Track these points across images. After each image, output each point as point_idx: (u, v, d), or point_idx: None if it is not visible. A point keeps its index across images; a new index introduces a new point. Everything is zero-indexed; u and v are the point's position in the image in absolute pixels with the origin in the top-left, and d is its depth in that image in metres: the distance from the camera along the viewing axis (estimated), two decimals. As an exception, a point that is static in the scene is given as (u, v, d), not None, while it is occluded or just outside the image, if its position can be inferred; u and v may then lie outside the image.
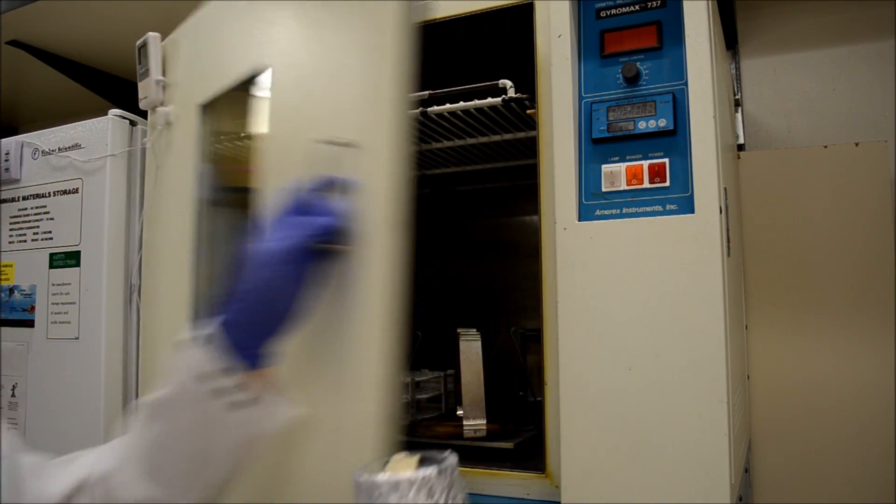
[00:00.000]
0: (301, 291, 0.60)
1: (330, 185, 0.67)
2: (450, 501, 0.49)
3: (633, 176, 0.83)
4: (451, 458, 0.50)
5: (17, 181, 1.42)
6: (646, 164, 0.83)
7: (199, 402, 0.59)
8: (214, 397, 0.59)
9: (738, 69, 1.56)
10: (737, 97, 1.54)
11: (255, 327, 0.58)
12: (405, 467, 0.50)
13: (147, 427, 0.61)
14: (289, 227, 0.61)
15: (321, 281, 0.65)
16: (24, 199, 1.41)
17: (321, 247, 0.61)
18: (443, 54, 1.24)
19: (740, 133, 1.52)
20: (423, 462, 0.51)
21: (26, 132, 1.44)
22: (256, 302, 0.58)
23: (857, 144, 1.27)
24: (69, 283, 1.31)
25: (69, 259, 1.32)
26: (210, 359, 0.59)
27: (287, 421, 0.61)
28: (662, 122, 0.82)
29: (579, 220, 0.85)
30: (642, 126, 0.83)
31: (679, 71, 0.83)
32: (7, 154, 1.42)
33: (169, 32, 1.22)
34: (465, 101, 1.05)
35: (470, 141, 1.22)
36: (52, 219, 1.37)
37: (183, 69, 1.17)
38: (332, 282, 0.66)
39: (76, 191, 1.33)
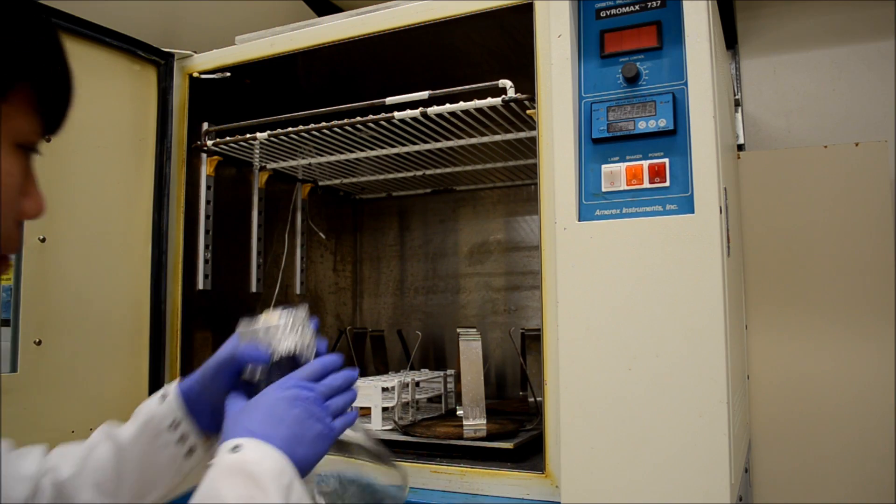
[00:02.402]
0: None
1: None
2: (309, 330, 0.71)
3: (633, 176, 0.83)
4: (302, 308, 0.72)
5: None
6: (646, 164, 0.83)
7: (163, 444, 0.72)
8: (175, 439, 0.72)
9: (738, 69, 1.56)
10: (737, 97, 1.54)
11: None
12: (273, 317, 0.70)
13: (107, 449, 0.71)
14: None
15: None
16: None
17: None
18: (443, 54, 1.24)
19: (740, 133, 1.52)
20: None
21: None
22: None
23: (857, 144, 1.27)
24: None
25: None
26: (182, 415, 0.73)
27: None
28: (662, 122, 0.82)
29: (579, 220, 0.85)
30: (642, 126, 0.83)
31: (679, 71, 0.83)
32: None
33: (168, 33, 1.22)
34: (465, 101, 1.05)
35: (470, 141, 1.22)
36: None
37: None
38: None
39: None
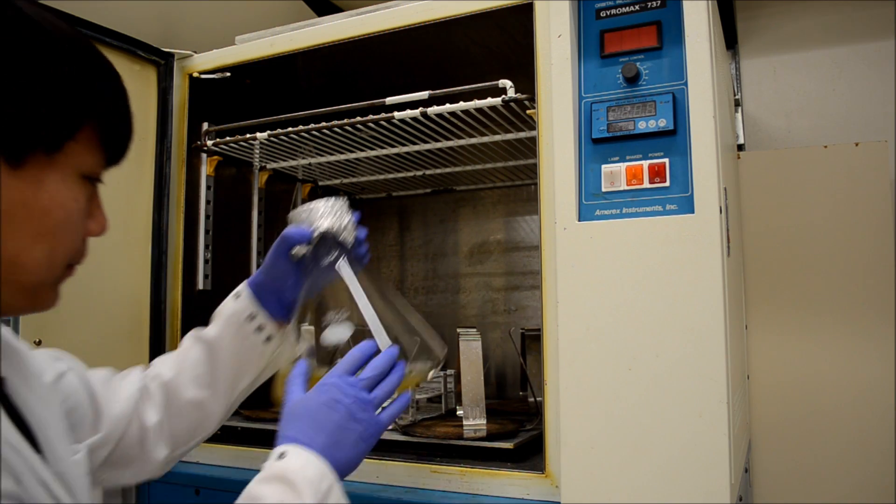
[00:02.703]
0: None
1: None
2: (347, 215, 0.80)
3: (633, 176, 0.83)
4: (343, 197, 0.81)
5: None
6: (646, 164, 0.83)
7: (245, 334, 0.83)
8: (254, 329, 0.83)
9: (738, 69, 1.56)
10: (737, 97, 1.54)
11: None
12: (316, 203, 0.80)
13: (199, 349, 0.82)
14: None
15: None
16: None
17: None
18: (443, 54, 1.24)
19: (740, 133, 1.52)
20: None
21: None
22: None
23: (857, 144, 1.27)
24: None
25: None
26: (256, 307, 0.83)
27: (296, 353, 0.84)
28: (662, 122, 0.82)
29: (579, 220, 0.85)
30: (642, 126, 0.83)
31: (679, 71, 0.83)
32: None
33: (168, 33, 1.22)
34: (465, 101, 1.05)
35: (470, 141, 1.22)
36: None
37: None
38: None
39: None
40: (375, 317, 0.77)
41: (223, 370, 0.82)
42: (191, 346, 0.83)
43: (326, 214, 0.79)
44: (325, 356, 0.78)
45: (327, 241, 0.79)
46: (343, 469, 0.65)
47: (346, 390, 0.68)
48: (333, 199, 0.81)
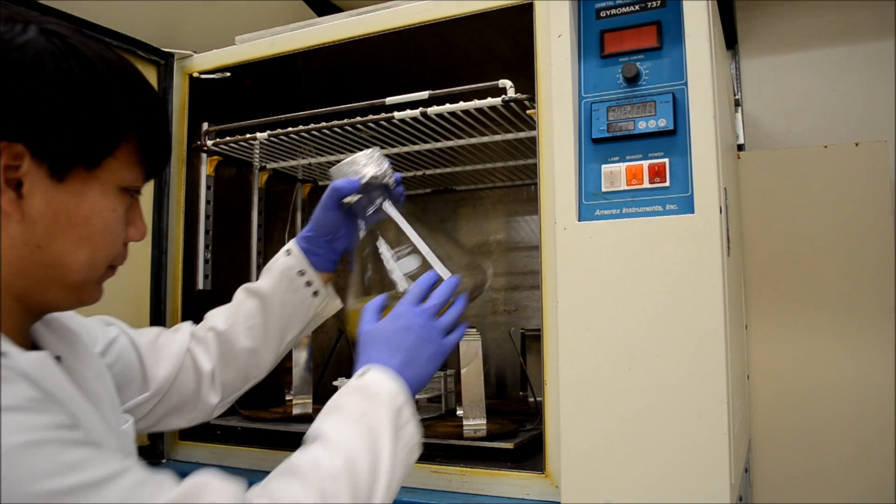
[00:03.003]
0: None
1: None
2: (385, 161, 0.88)
3: (633, 176, 0.83)
4: (375, 149, 0.89)
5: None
6: (646, 164, 0.83)
7: (295, 288, 0.90)
8: (303, 284, 0.90)
9: (738, 69, 1.56)
10: (737, 97, 1.54)
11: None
12: (354, 156, 0.87)
13: (253, 301, 0.89)
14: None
15: None
16: None
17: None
18: (443, 54, 1.24)
19: (740, 133, 1.52)
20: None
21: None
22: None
23: (857, 144, 1.27)
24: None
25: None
26: (305, 263, 0.90)
27: (336, 308, 0.96)
28: (662, 122, 0.82)
29: (579, 220, 0.85)
30: (642, 126, 0.83)
31: (679, 71, 0.83)
32: None
33: (168, 33, 1.22)
34: (465, 101, 1.05)
35: (470, 141, 1.22)
36: None
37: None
38: None
39: None
40: (429, 250, 0.85)
41: (274, 321, 0.90)
42: (244, 299, 0.90)
43: (369, 162, 0.87)
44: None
45: (371, 186, 0.87)
46: (415, 385, 0.74)
47: (416, 317, 0.76)
48: (370, 149, 0.89)
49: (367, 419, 0.66)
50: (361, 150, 0.88)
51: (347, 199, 0.88)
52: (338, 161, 0.91)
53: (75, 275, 0.59)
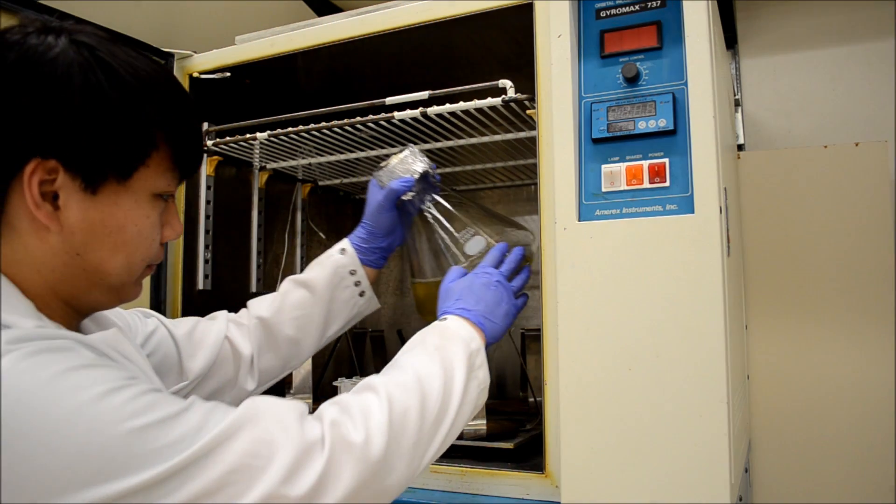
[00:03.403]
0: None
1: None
2: (424, 158, 0.95)
3: (633, 176, 0.83)
4: (412, 147, 0.97)
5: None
6: (646, 164, 0.83)
7: (345, 286, 0.96)
8: (353, 283, 0.96)
9: (738, 69, 1.56)
10: (737, 97, 1.54)
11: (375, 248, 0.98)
12: (398, 156, 0.96)
13: (301, 292, 0.93)
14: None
15: None
16: None
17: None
18: (443, 54, 1.24)
19: (740, 133, 1.52)
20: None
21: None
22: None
23: (857, 144, 1.27)
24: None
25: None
26: (357, 264, 0.96)
27: (375, 307, 1.01)
28: (662, 122, 0.82)
29: (579, 220, 0.85)
30: (642, 126, 0.83)
31: (679, 71, 0.83)
32: None
33: (168, 33, 1.22)
34: (465, 101, 1.05)
35: (470, 141, 1.22)
36: None
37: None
38: None
39: None
40: (484, 234, 0.94)
41: (320, 315, 0.94)
42: (292, 289, 0.94)
43: (416, 160, 0.94)
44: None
45: (419, 182, 0.94)
46: (491, 336, 0.80)
47: (496, 276, 0.85)
48: (408, 147, 0.96)
49: (444, 352, 0.72)
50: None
51: (405, 197, 0.94)
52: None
53: (114, 278, 0.62)
